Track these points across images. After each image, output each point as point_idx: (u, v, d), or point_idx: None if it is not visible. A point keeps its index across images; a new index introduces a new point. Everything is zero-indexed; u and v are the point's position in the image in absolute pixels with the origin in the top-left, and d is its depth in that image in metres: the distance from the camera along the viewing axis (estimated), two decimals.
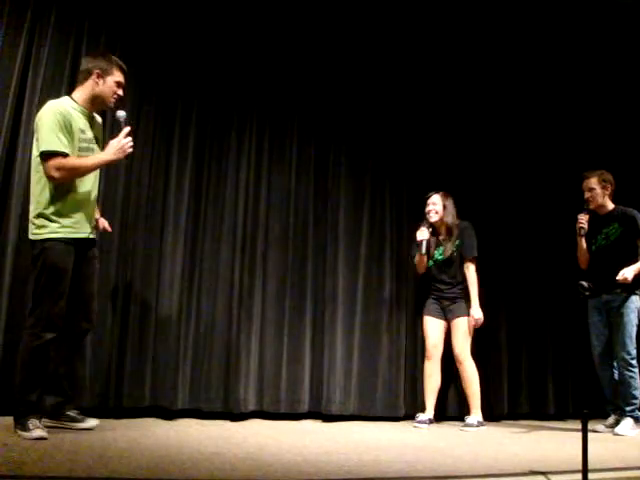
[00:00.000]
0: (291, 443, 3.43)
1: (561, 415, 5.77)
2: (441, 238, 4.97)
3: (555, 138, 6.24)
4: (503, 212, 5.88)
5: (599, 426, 4.76)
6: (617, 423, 4.69)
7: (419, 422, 4.67)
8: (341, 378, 4.92)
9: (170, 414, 4.23)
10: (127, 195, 4.40)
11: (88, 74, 3.47)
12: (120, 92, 3.54)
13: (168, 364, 4.35)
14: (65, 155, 3.26)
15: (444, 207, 4.92)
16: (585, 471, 2.41)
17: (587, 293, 2.87)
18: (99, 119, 3.63)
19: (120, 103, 3.62)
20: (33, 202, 3.36)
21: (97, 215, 3.68)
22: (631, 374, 4.65)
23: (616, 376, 4.81)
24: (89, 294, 3.50)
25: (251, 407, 4.56)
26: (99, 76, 3.45)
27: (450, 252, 4.91)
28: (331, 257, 5.09)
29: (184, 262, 4.54)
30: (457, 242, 4.93)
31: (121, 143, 3.38)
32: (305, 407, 4.78)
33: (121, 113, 3.50)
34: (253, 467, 2.55)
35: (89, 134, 3.48)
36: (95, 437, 3.24)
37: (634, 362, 4.67)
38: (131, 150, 3.42)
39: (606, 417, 4.86)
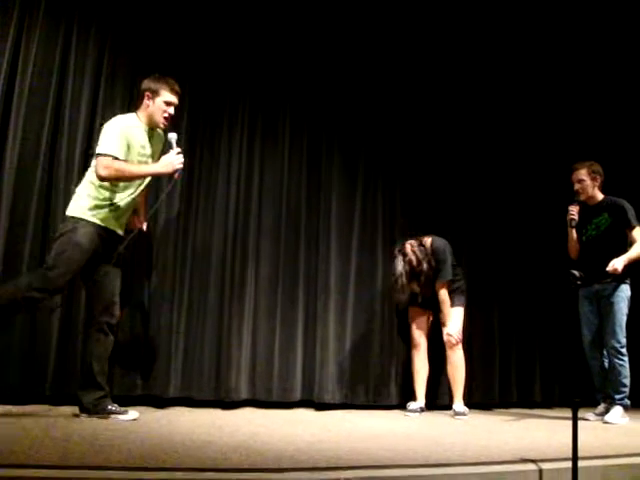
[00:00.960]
0: (283, 432, 3.44)
1: (548, 403, 5.82)
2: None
3: (543, 130, 6.27)
4: (493, 203, 5.91)
5: (589, 414, 4.79)
6: (607, 411, 4.72)
7: (410, 411, 4.72)
8: (333, 367, 4.93)
9: (162, 402, 4.23)
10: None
11: (141, 95, 3.76)
12: (170, 111, 3.76)
13: (160, 352, 4.36)
14: (116, 158, 3.51)
15: (416, 257, 4.81)
16: (575, 459, 2.42)
17: (578, 282, 2.88)
18: (160, 133, 3.84)
19: (172, 121, 3.85)
20: (81, 188, 3.63)
21: (135, 215, 3.92)
22: (621, 362, 4.69)
23: (606, 365, 4.84)
24: (112, 289, 3.67)
25: (243, 396, 4.57)
26: (149, 98, 3.72)
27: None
28: (323, 247, 5.09)
29: (176, 251, 4.54)
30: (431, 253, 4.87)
31: (171, 159, 3.62)
32: (297, 396, 4.79)
33: (173, 135, 3.72)
34: (245, 456, 2.55)
35: (148, 150, 3.75)
36: (86, 425, 3.24)
37: (624, 350, 4.70)
38: (180, 167, 3.63)
39: (594, 406, 4.89)
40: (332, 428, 3.78)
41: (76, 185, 3.75)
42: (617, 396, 4.71)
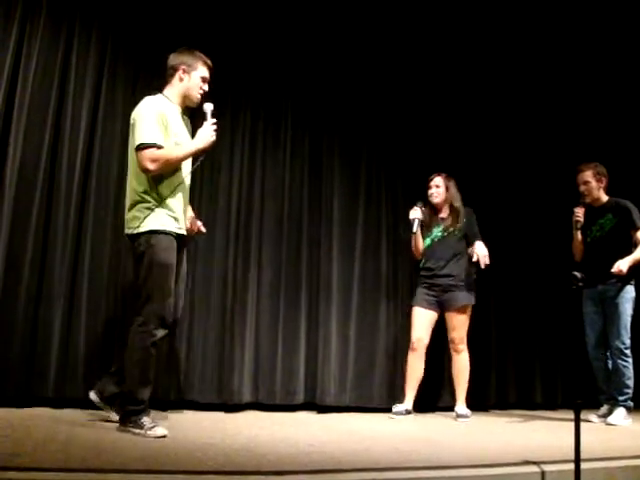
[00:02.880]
0: (285, 434, 3.44)
1: (549, 404, 5.81)
2: (441, 217, 4.94)
3: (546, 129, 6.25)
4: (495, 202, 5.89)
5: (592, 416, 4.78)
6: (609, 413, 4.71)
7: (395, 413, 4.63)
8: (336, 369, 4.93)
9: (164, 405, 4.23)
10: (120, 183, 4.37)
11: (174, 71, 3.48)
12: (205, 87, 3.52)
13: (162, 355, 4.34)
14: (159, 147, 3.27)
15: (447, 188, 4.93)
16: (578, 460, 2.42)
17: (580, 284, 2.87)
18: (186, 118, 3.60)
19: (205, 98, 3.54)
20: (131, 195, 3.37)
21: (191, 214, 3.69)
22: (625, 363, 4.68)
23: (610, 366, 4.84)
24: (179, 293, 3.49)
25: (246, 398, 4.57)
26: (185, 72, 3.46)
27: (451, 230, 4.88)
28: (326, 249, 5.09)
29: None
30: (462, 224, 4.91)
31: (208, 132, 3.36)
32: (300, 398, 4.78)
33: (208, 105, 3.44)
34: (247, 458, 2.55)
35: (183, 130, 3.48)
36: (89, 429, 3.24)
37: (628, 352, 4.70)
38: (214, 139, 3.38)
39: (597, 407, 4.88)
40: (335, 431, 3.78)
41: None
42: (620, 397, 4.70)
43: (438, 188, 4.91)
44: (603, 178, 4.93)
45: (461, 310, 4.79)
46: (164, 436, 3.02)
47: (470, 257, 4.77)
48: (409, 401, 4.74)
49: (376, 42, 5.53)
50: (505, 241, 5.87)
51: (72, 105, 4.27)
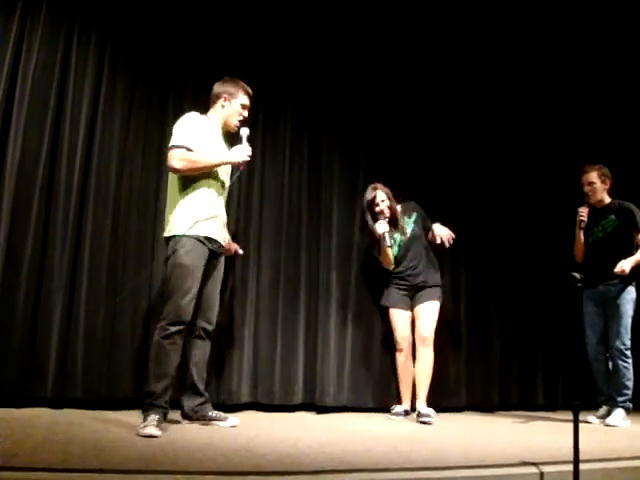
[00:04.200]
0: (284, 434, 3.44)
1: (550, 406, 5.81)
2: (396, 225, 4.84)
3: (546, 129, 6.26)
4: (494, 204, 5.90)
5: (590, 417, 4.78)
6: (608, 414, 4.72)
7: (395, 414, 4.64)
8: (335, 370, 4.92)
9: None
10: (119, 183, 4.38)
11: (217, 98, 3.81)
12: (245, 114, 3.85)
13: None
14: (189, 150, 3.52)
15: (388, 198, 4.80)
16: (576, 462, 2.42)
17: (579, 284, 2.87)
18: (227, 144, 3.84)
19: (245, 123, 3.84)
20: (168, 200, 3.65)
21: (227, 236, 3.94)
22: (625, 364, 4.69)
23: (610, 367, 4.84)
24: (211, 296, 3.70)
25: (244, 399, 4.57)
26: (226, 99, 3.79)
27: (411, 228, 4.87)
28: (325, 249, 5.09)
29: None
30: (414, 217, 4.89)
31: (241, 149, 3.63)
32: (299, 399, 4.78)
33: (245, 130, 3.74)
34: (246, 458, 2.55)
35: (223, 148, 3.75)
36: (88, 429, 3.24)
37: (628, 352, 4.71)
38: (248, 159, 3.64)
39: (596, 409, 4.88)
40: (333, 431, 3.78)
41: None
42: (620, 398, 4.70)
43: (383, 202, 4.78)
44: (607, 180, 4.95)
45: (430, 305, 4.73)
46: (152, 436, 3.05)
47: (434, 244, 4.80)
48: (407, 402, 4.73)
49: (376, 41, 5.53)
50: (506, 243, 5.89)
51: (71, 104, 4.26)
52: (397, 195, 4.91)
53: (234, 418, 3.73)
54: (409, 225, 4.88)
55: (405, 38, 5.64)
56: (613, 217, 4.86)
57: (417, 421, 4.40)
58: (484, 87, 6.00)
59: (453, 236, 4.75)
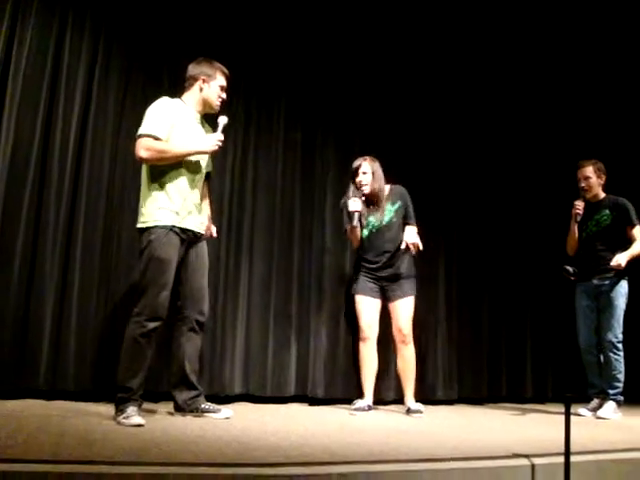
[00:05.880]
0: (277, 426, 3.44)
1: (539, 398, 5.85)
2: (376, 205, 4.56)
3: (539, 124, 6.28)
4: (489, 196, 5.93)
5: (582, 409, 4.81)
6: (600, 407, 4.75)
7: (356, 409, 4.34)
8: (327, 361, 4.94)
9: (155, 397, 4.22)
10: (112, 176, 4.36)
11: (194, 80, 3.69)
12: (223, 95, 3.76)
13: (153, 348, 4.34)
14: (157, 138, 3.42)
15: (373, 174, 4.53)
16: (567, 454, 2.43)
17: (572, 278, 2.89)
18: (209, 128, 3.77)
19: (224, 105, 3.82)
20: (141, 191, 3.55)
21: (207, 217, 3.82)
22: (617, 357, 4.72)
23: (602, 359, 4.87)
24: (200, 287, 3.63)
25: (237, 390, 4.58)
26: (205, 81, 3.67)
27: (389, 217, 4.56)
28: (318, 242, 5.09)
29: None
30: (397, 205, 4.58)
31: (213, 137, 3.55)
32: (291, 391, 4.80)
33: (223, 118, 3.66)
34: (238, 450, 2.55)
35: (199, 134, 3.64)
36: (80, 420, 3.24)
37: (620, 346, 4.74)
38: (216, 148, 3.56)
39: (586, 401, 4.90)
40: (326, 423, 3.79)
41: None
42: (611, 391, 4.73)
43: (365, 175, 4.51)
44: (602, 175, 4.98)
45: (407, 301, 4.51)
46: (140, 425, 3.07)
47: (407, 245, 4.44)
48: (369, 396, 4.48)
49: (370, 34, 5.53)
50: (499, 235, 5.92)
51: (64, 92, 4.23)
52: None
53: (227, 410, 3.72)
54: (388, 212, 4.56)
55: (398, 32, 5.63)
56: (607, 212, 4.88)
57: (407, 415, 4.37)
58: (479, 80, 6.02)
59: (420, 247, 4.42)
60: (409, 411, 4.38)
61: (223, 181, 4.76)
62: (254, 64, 4.99)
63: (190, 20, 4.75)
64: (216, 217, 4.64)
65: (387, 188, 4.63)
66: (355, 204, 4.43)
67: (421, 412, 4.34)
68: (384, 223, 4.54)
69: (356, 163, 4.56)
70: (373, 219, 4.56)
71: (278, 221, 4.96)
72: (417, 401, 4.49)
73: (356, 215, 4.41)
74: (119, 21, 4.50)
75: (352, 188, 4.55)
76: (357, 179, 4.53)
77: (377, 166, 4.58)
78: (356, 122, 5.39)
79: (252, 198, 4.88)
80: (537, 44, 6.13)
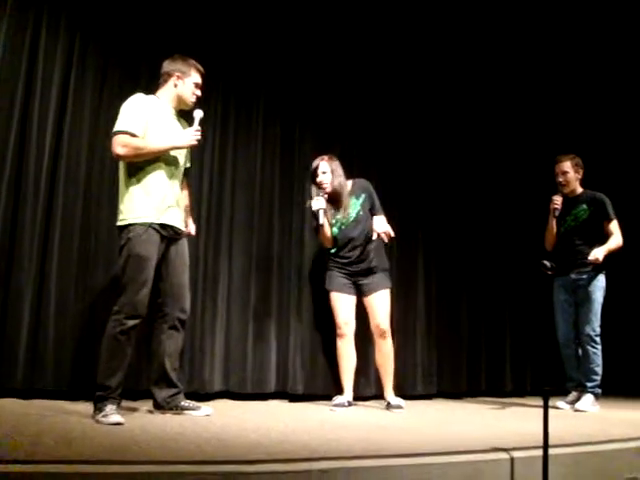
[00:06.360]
0: (256, 423, 3.44)
1: (519, 392, 5.90)
2: (339, 202, 4.54)
3: (516, 120, 6.34)
4: (466, 192, 5.96)
5: (560, 402, 4.85)
6: (578, 399, 4.79)
7: (336, 405, 4.34)
8: (307, 358, 4.94)
9: (134, 395, 4.19)
10: (89, 173, 4.32)
11: (168, 76, 3.69)
12: (198, 92, 3.75)
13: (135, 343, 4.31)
14: (133, 135, 3.40)
15: (332, 172, 4.51)
16: (546, 447, 2.45)
17: (550, 272, 2.90)
18: (185, 124, 3.75)
19: (199, 102, 3.79)
20: (119, 188, 3.54)
21: (187, 213, 3.83)
22: (595, 350, 4.77)
23: (579, 353, 4.91)
24: (181, 284, 3.61)
25: (217, 387, 4.57)
26: (179, 78, 3.67)
27: (356, 211, 4.53)
28: (297, 238, 5.08)
29: None
30: (362, 199, 4.55)
31: (190, 132, 3.54)
32: (271, 387, 4.79)
33: (198, 112, 3.65)
34: (218, 447, 2.55)
35: (175, 130, 3.62)
36: (58, 419, 3.21)
37: (598, 339, 4.79)
38: (194, 143, 3.57)
39: (565, 395, 4.95)
40: (306, 419, 3.79)
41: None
42: (589, 384, 4.77)
43: (325, 174, 4.51)
44: (580, 169, 5.02)
45: (383, 294, 4.50)
46: (119, 423, 3.05)
47: (378, 235, 4.42)
48: (349, 392, 4.48)
49: (348, 32, 5.52)
50: (477, 231, 5.96)
51: (40, 90, 4.15)
52: (372, 183, 4.84)
53: (207, 407, 3.71)
54: (354, 207, 4.54)
55: (372, 29, 5.64)
56: (585, 207, 4.92)
57: (387, 410, 4.37)
58: (456, 78, 6.05)
59: (392, 234, 4.41)
60: (389, 406, 4.39)
61: (202, 178, 4.73)
62: (233, 61, 4.97)
63: (167, 17, 4.71)
64: (195, 214, 4.62)
65: (349, 183, 4.63)
66: (318, 203, 4.44)
67: (401, 407, 4.35)
68: (352, 218, 4.53)
69: (314, 164, 4.57)
70: (340, 216, 4.55)
71: (257, 217, 4.95)
72: (397, 396, 4.50)
73: (321, 213, 4.41)
74: (95, 19, 4.44)
75: (314, 189, 4.56)
76: (317, 179, 4.53)
77: (336, 164, 4.57)
78: (334, 119, 5.39)
79: (231, 195, 4.86)
80: (514, 40, 6.16)
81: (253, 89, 5.07)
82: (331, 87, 5.40)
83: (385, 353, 4.50)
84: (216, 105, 4.87)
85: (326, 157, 4.58)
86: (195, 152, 4.65)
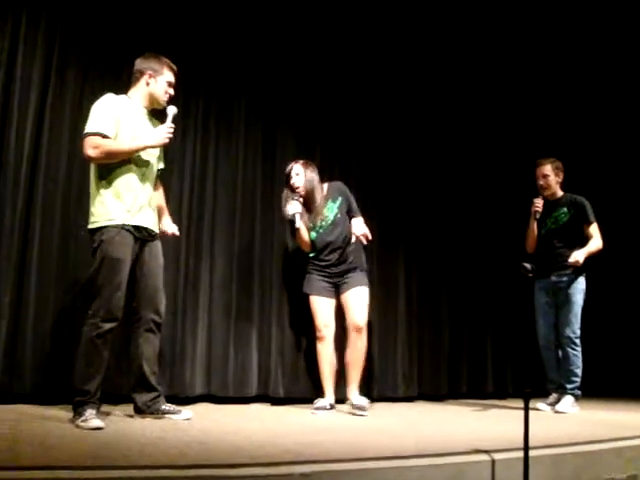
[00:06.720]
0: (238, 426, 3.43)
1: (500, 394, 5.93)
2: (314, 205, 4.51)
3: (496, 123, 6.39)
4: (447, 195, 5.99)
5: (540, 404, 4.88)
6: (558, 401, 4.83)
7: (317, 408, 4.30)
8: (289, 361, 4.93)
9: (115, 399, 4.15)
10: (69, 176, 4.27)
11: (140, 75, 3.63)
12: (171, 91, 3.68)
13: (112, 347, 4.27)
14: (105, 136, 3.35)
15: (305, 175, 4.49)
16: (526, 448, 2.46)
17: (530, 275, 2.92)
18: (157, 123, 3.68)
19: (171, 101, 3.71)
20: (91, 190, 3.48)
21: (166, 213, 3.82)
22: (575, 352, 4.80)
23: (560, 355, 4.94)
24: (155, 286, 3.56)
25: (198, 391, 4.53)
26: (151, 76, 3.61)
27: (333, 214, 4.51)
28: (278, 241, 5.07)
29: None
30: (338, 202, 4.53)
31: (161, 130, 3.47)
32: (253, 391, 4.77)
33: (172, 108, 3.60)
34: (199, 451, 2.53)
35: (147, 130, 3.56)
36: (36, 424, 3.18)
37: (578, 341, 4.83)
38: (167, 141, 3.49)
39: (546, 396, 4.98)
40: (287, 422, 3.79)
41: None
42: (569, 386, 4.81)
43: (298, 176, 4.49)
44: (560, 173, 5.07)
45: (360, 290, 4.45)
46: (99, 428, 3.02)
47: (357, 238, 4.43)
48: (330, 395, 4.43)
49: (328, 33, 5.53)
50: (457, 233, 5.98)
51: (19, 94, 4.09)
52: (351, 186, 4.83)
53: (187, 411, 3.68)
54: (331, 210, 4.52)
55: (355, 34, 5.64)
56: (565, 210, 4.97)
57: (349, 412, 4.25)
58: (436, 80, 6.08)
59: (369, 236, 4.42)
60: (352, 406, 4.27)
61: (183, 181, 4.70)
62: (215, 63, 4.94)
63: (148, 19, 4.67)
64: (176, 216, 4.59)
65: (325, 186, 4.62)
66: (293, 207, 4.42)
67: (365, 408, 4.22)
68: (329, 221, 4.51)
69: (288, 167, 4.58)
70: (317, 220, 4.52)
71: (239, 220, 4.93)
72: (374, 399, 4.48)
73: (297, 216, 4.39)
74: (75, 20, 4.38)
75: (288, 193, 4.54)
76: (291, 182, 4.52)
77: (311, 169, 4.56)
78: (316, 121, 5.39)
79: (212, 197, 4.84)
80: (493, 44, 6.19)
81: (234, 91, 5.05)
82: (312, 89, 5.40)
83: (358, 349, 4.40)
84: (197, 107, 4.84)
85: (301, 161, 4.58)
86: (176, 155, 4.67)
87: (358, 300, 4.44)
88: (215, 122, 4.93)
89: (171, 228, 3.87)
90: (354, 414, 4.18)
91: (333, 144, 5.43)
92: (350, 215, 4.54)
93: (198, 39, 4.87)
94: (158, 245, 3.65)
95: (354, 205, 4.58)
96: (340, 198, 4.55)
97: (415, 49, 5.94)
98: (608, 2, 5.69)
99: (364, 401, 4.31)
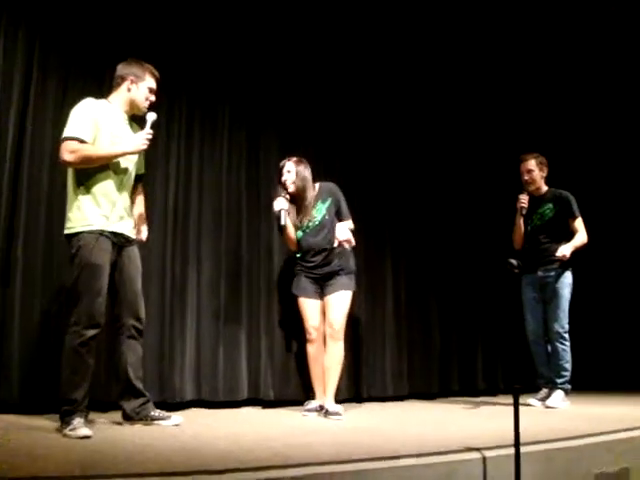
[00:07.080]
0: (228, 431, 3.41)
1: (491, 391, 5.94)
2: (303, 205, 4.46)
3: (480, 121, 6.41)
4: (433, 194, 6.00)
5: (531, 400, 4.89)
6: (548, 396, 4.84)
7: (308, 410, 4.30)
8: (279, 363, 4.92)
9: (103, 406, 4.12)
10: (52, 181, 4.22)
11: (122, 80, 3.60)
12: (152, 98, 3.66)
13: (99, 354, 4.23)
14: (82, 141, 3.33)
15: (297, 173, 4.43)
16: (517, 445, 2.45)
17: (516, 271, 2.91)
18: (137, 128, 3.64)
19: (155, 106, 3.70)
20: (68, 195, 3.45)
21: (141, 218, 3.76)
22: (563, 347, 4.82)
23: (549, 350, 4.96)
24: (135, 292, 3.53)
25: (188, 396, 4.51)
26: (132, 82, 3.59)
27: (321, 215, 4.44)
28: (265, 244, 5.06)
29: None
30: (328, 203, 4.45)
31: (139, 137, 3.44)
32: (244, 394, 4.75)
33: (151, 115, 3.57)
34: (188, 457, 2.51)
35: (127, 135, 3.53)
36: (23, 434, 3.14)
37: (567, 335, 4.85)
38: (144, 147, 3.46)
39: (536, 391, 4.99)
40: (278, 426, 3.77)
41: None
42: (559, 380, 4.82)
43: (289, 173, 4.43)
44: (545, 168, 5.08)
45: (340, 295, 4.35)
46: (87, 437, 3.00)
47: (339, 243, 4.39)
48: (321, 396, 4.36)
49: (312, 37, 5.53)
50: (444, 232, 5.99)
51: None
52: (344, 187, 4.77)
53: (177, 417, 3.65)
54: (320, 211, 4.44)
55: (339, 36, 5.65)
56: (551, 205, 4.99)
57: (325, 418, 4.14)
58: (420, 79, 6.09)
59: (352, 242, 4.39)
60: (327, 413, 4.16)
61: (167, 186, 4.67)
62: (198, 67, 4.91)
63: (131, 24, 4.64)
64: (161, 221, 4.58)
65: (316, 186, 4.55)
66: (279, 203, 4.36)
67: (340, 415, 4.11)
68: (316, 222, 4.44)
69: (281, 163, 4.53)
70: (305, 220, 4.46)
71: (225, 224, 4.90)
72: (364, 398, 4.45)
73: (282, 213, 4.32)
74: (55, 26, 4.33)
75: (279, 189, 4.49)
76: (282, 178, 4.46)
77: (303, 167, 4.48)
78: (300, 125, 5.39)
79: (198, 201, 4.81)
80: (477, 42, 6.21)
81: (218, 96, 5.02)
82: (295, 93, 5.40)
83: (333, 356, 4.31)
84: (181, 112, 4.81)
85: (294, 158, 4.52)
86: (160, 160, 4.64)
87: (336, 305, 4.35)
88: (199, 127, 4.90)
89: (141, 234, 3.78)
90: (330, 419, 4.08)
91: (317, 148, 5.41)
92: (340, 218, 4.49)
93: (181, 44, 4.85)
94: (135, 250, 3.61)
95: (344, 208, 4.51)
96: (330, 199, 4.48)
97: (397, 48, 5.95)
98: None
99: (339, 408, 4.20)
